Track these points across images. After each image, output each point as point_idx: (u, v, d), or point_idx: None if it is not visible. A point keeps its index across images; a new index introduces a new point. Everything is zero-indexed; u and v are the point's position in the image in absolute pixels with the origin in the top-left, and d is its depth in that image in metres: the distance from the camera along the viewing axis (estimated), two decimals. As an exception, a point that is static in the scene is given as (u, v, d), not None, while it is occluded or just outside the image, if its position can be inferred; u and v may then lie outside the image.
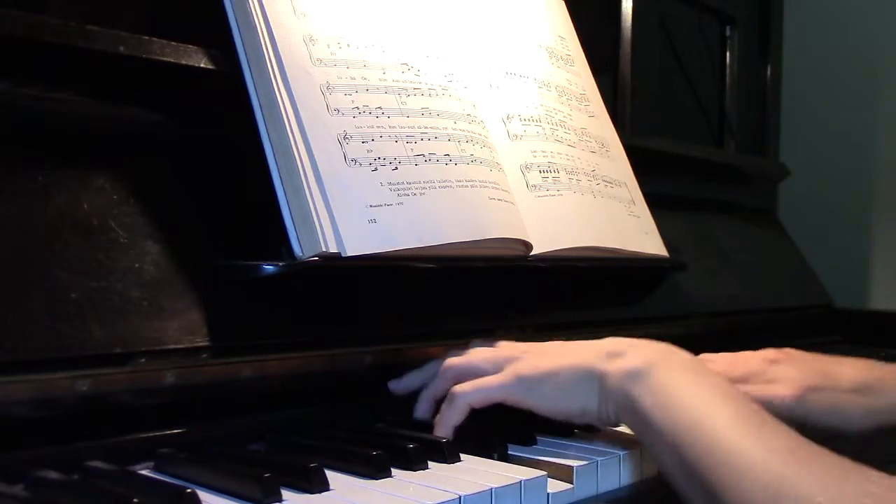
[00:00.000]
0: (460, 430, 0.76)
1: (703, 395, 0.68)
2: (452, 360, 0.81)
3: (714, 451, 0.64)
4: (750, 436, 0.63)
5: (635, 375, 0.71)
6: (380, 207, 0.81)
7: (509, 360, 0.78)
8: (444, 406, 0.77)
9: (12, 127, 0.72)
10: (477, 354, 0.81)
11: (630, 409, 0.70)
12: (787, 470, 0.60)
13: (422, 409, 0.81)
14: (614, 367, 0.72)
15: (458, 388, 0.77)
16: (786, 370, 0.89)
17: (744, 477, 0.61)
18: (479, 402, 0.76)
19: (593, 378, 0.73)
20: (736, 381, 0.91)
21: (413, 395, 0.83)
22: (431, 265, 0.84)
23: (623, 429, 0.83)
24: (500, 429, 0.76)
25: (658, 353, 0.73)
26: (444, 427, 0.76)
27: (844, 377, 0.88)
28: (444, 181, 0.86)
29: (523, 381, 0.76)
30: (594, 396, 0.73)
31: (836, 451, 0.63)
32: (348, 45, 0.86)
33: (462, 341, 0.89)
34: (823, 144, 1.90)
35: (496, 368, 0.78)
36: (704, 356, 0.95)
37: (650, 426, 0.68)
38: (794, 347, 0.96)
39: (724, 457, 0.63)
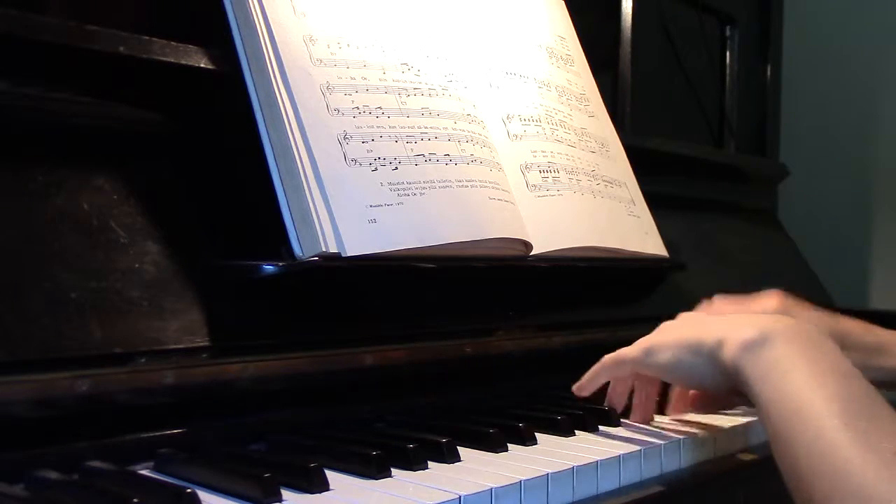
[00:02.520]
0: (460, 430, 0.76)
1: (814, 376, 0.66)
2: (607, 356, 0.87)
3: (814, 442, 0.62)
4: (859, 434, 0.61)
5: (750, 346, 0.71)
6: (380, 207, 0.81)
7: (656, 333, 0.83)
8: (587, 375, 0.85)
9: (12, 127, 0.72)
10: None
11: (741, 380, 0.71)
12: (883, 477, 0.58)
13: (580, 389, 0.87)
14: (731, 336, 0.73)
15: (601, 362, 0.85)
16: (803, 314, 0.91)
17: (838, 476, 0.59)
18: (615, 374, 0.84)
19: (707, 347, 0.75)
20: None
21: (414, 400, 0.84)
22: (431, 265, 0.84)
23: (626, 432, 0.83)
24: (501, 428, 0.76)
25: (778, 325, 0.72)
26: (582, 390, 0.85)
27: (852, 337, 0.91)
28: (444, 181, 0.86)
29: (646, 352, 0.81)
30: (708, 365, 0.75)
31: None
32: (348, 45, 0.86)
33: (463, 341, 0.89)
34: (823, 144, 1.90)
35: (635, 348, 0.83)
36: (716, 298, 0.98)
37: (757, 400, 0.69)
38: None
39: (822, 451, 0.61)
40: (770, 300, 0.95)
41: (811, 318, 0.92)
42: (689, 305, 0.97)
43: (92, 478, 0.64)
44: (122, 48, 0.77)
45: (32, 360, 0.64)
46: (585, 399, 0.87)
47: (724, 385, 0.75)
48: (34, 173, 0.71)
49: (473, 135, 0.92)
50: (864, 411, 0.63)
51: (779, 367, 0.68)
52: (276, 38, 0.81)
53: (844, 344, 0.87)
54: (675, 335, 0.81)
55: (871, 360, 0.89)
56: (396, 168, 0.83)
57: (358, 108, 0.84)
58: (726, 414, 0.91)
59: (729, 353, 0.73)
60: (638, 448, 0.75)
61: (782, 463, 0.65)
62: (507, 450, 0.74)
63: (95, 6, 0.83)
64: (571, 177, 1.03)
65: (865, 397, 0.65)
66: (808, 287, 1.58)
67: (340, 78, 0.84)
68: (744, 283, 1.41)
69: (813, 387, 0.65)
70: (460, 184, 0.87)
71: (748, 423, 0.89)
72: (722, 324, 0.77)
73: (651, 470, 0.76)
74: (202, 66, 0.82)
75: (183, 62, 0.80)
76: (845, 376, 0.67)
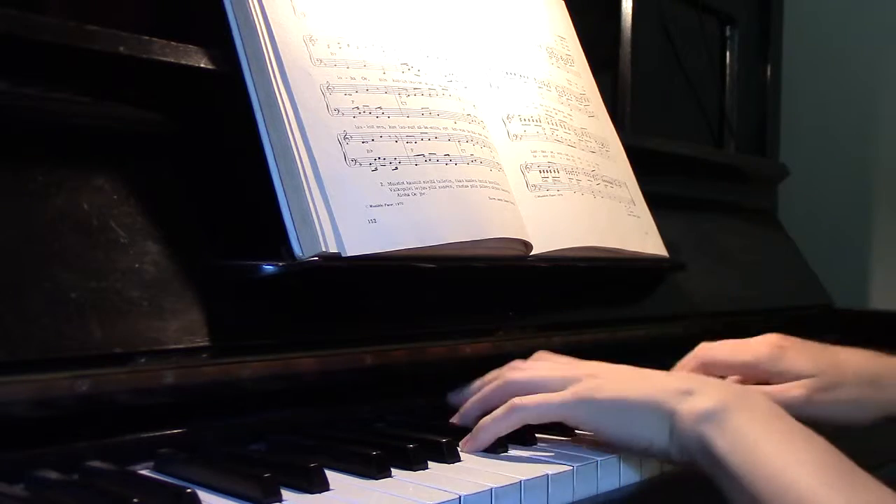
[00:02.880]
0: (460, 431, 0.76)
1: (783, 442, 0.65)
2: (514, 374, 0.79)
3: None
4: (835, 491, 0.61)
5: (710, 417, 0.67)
6: (380, 207, 0.81)
7: (574, 380, 0.75)
8: (497, 414, 0.74)
9: (12, 127, 0.72)
10: (540, 370, 0.79)
11: (704, 451, 0.67)
12: None
13: (467, 417, 0.79)
14: (686, 406, 0.69)
15: (519, 400, 0.74)
16: (798, 359, 0.89)
17: None
18: (537, 418, 0.74)
19: (662, 414, 0.70)
20: (745, 366, 0.91)
21: (414, 400, 0.84)
22: (431, 265, 0.84)
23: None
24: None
25: (732, 395, 0.70)
26: (488, 434, 0.74)
27: (851, 370, 0.88)
28: (444, 181, 0.86)
29: (587, 404, 0.73)
30: (663, 433, 0.70)
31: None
32: (348, 45, 0.86)
33: (463, 341, 0.89)
34: (823, 144, 1.90)
35: (560, 386, 0.75)
36: (705, 344, 0.96)
37: (726, 472, 0.65)
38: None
39: None
40: (767, 340, 0.93)
41: (807, 348, 0.91)
42: (690, 305, 0.97)
43: (92, 478, 0.64)
44: (122, 48, 0.77)
45: (32, 360, 0.64)
46: None
47: (673, 455, 0.71)
48: (34, 173, 0.71)
49: (473, 135, 0.92)
50: (840, 468, 0.63)
51: (746, 437, 0.66)
52: (276, 38, 0.81)
53: (845, 380, 0.87)
54: (617, 389, 0.73)
55: (877, 394, 0.87)
56: (396, 168, 0.83)
57: (358, 108, 0.84)
58: None
59: (688, 422, 0.68)
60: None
61: None
62: (507, 450, 0.74)
63: (95, 6, 0.83)
64: (571, 177, 1.03)
65: (835, 456, 0.65)
66: (808, 287, 1.58)
67: (340, 78, 0.84)
68: (744, 283, 1.41)
69: (786, 453, 0.64)
70: (460, 184, 0.87)
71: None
72: (675, 388, 0.72)
73: (651, 470, 0.76)
74: (202, 66, 0.82)
75: (183, 62, 0.80)
76: (809, 438, 0.66)
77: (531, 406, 0.74)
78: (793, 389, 0.86)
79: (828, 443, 0.66)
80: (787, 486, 0.62)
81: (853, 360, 0.89)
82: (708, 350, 0.94)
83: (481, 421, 0.74)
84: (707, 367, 0.92)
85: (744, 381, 0.91)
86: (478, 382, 0.82)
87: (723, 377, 0.91)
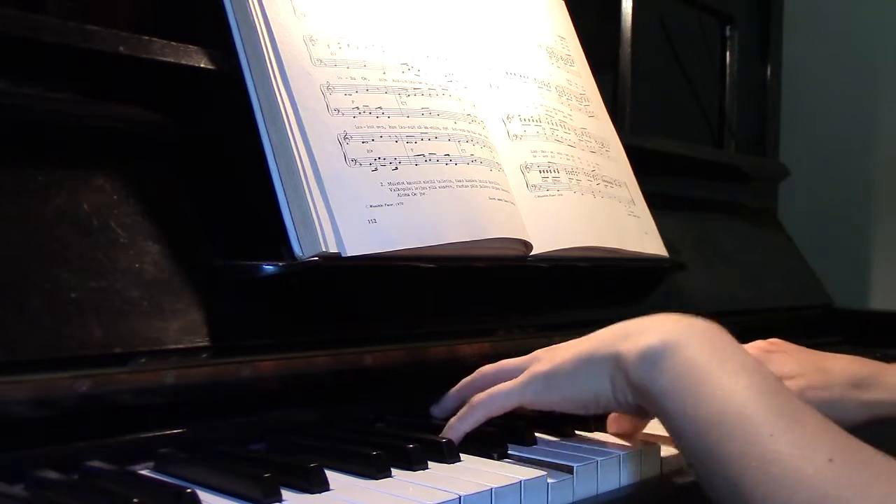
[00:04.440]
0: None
1: (731, 378, 0.61)
2: (485, 367, 0.79)
3: (746, 449, 0.57)
4: (786, 435, 0.57)
5: (652, 355, 0.65)
6: (380, 207, 0.81)
7: (530, 362, 0.75)
8: (461, 413, 0.75)
9: (12, 127, 0.72)
10: (507, 362, 0.79)
11: (647, 393, 0.65)
12: (829, 481, 0.55)
13: (441, 408, 0.81)
14: (628, 345, 0.67)
15: (477, 396, 0.75)
16: (784, 362, 0.89)
17: (779, 487, 0.55)
18: (496, 410, 0.74)
19: (604, 360, 0.68)
20: None
21: (414, 400, 0.84)
22: (431, 265, 0.84)
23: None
24: (501, 428, 0.76)
25: (678, 328, 0.66)
26: (454, 432, 0.73)
27: (837, 371, 0.88)
28: (445, 181, 0.86)
29: (536, 381, 0.72)
30: (605, 380, 0.68)
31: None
32: (348, 45, 0.86)
33: (463, 341, 0.89)
34: (823, 144, 1.90)
35: (519, 373, 0.75)
36: None
37: (670, 413, 0.63)
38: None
39: (757, 459, 0.57)
40: (755, 345, 0.91)
41: (792, 352, 0.90)
42: (690, 305, 0.97)
43: (92, 478, 0.64)
44: (122, 48, 0.77)
45: (32, 360, 0.64)
46: None
47: (626, 401, 0.68)
48: (34, 173, 0.71)
49: (473, 135, 0.92)
50: (791, 409, 0.60)
51: (688, 374, 0.62)
52: (276, 38, 0.81)
53: (831, 380, 0.87)
54: (562, 356, 0.72)
55: (862, 395, 0.86)
56: (396, 168, 0.83)
57: (358, 108, 0.84)
58: None
59: (630, 363, 0.66)
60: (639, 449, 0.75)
61: (709, 478, 0.60)
62: (507, 450, 0.74)
63: (95, 6, 0.83)
64: (571, 177, 1.03)
65: (784, 394, 0.62)
66: (808, 287, 1.58)
67: (340, 78, 0.84)
68: (744, 283, 1.41)
69: (733, 385, 0.61)
70: (460, 184, 0.87)
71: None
72: (615, 332, 0.70)
73: (652, 470, 0.76)
74: (202, 66, 0.82)
75: (183, 62, 0.80)
76: (759, 373, 0.63)
77: (487, 399, 0.74)
78: None
79: (778, 379, 0.64)
80: (733, 426, 0.59)
81: (838, 364, 0.89)
82: None
83: (449, 423, 0.74)
84: None
85: None
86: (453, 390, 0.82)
87: None
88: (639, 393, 0.66)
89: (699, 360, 0.63)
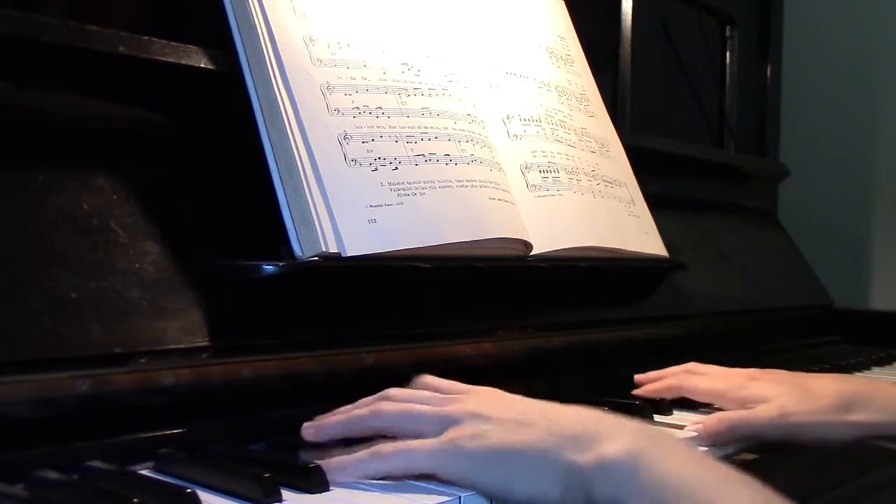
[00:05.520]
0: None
1: (723, 487, 0.56)
2: (386, 406, 0.67)
3: None
4: None
5: (621, 471, 0.57)
6: (380, 207, 0.81)
7: (452, 421, 0.63)
8: (358, 456, 0.64)
9: (12, 127, 0.72)
10: (416, 403, 0.67)
11: None
12: None
13: (324, 432, 0.68)
14: (588, 458, 0.58)
15: (385, 448, 0.64)
16: (765, 387, 0.89)
17: None
18: (401, 471, 0.63)
19: (556, 469, 0.59)
20: (714, 393, 0.92)
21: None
22: (431, 265, 0.84)
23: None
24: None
25: (637, 437, 0.59)
26: (342, 476, 0.63)
27: (820, 394, 0.87)
28: (445, 181, 0.86)
29: (459, 457, 0.61)
30: (555, 490, 0.59)
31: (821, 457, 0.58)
32: (348, 45, 0.86)
33: (463, 341, 0.89)
34: (823, 144, 1.90)
35: (434, 428, 0.64)
36: (693, 364, 0.96)
37: None
38: (794, 347, 0.96)
39: None
40: (745, 372, 0.92)
41: (778, 377, 0.90)
42: (690, 305, 0.97)
43: (92, 478, 0.64)
44: (122, 48, 0.77)
45: (32, 360, 0.64)
46: (594, 393, 0.87)
47: None
48: (34, 173, 0.71)
49: (473, 135, 0.92)
50: None
51: (677, 493, 0.56)
52: (276, 38, 0.81)
53: (815, 404, 0.86)
54: (497, 436, 0.61)
55: (847, 416, 0.85)
56: (396, 168, 0.83)
57: (358, 108, 0.84)
58: None
59: (593, 483, 0.57)
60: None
61: None
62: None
63: (95, 6, 0.83)
64: (571, 177, 1.03)
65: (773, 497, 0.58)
66: (808, 287, 1.58)
67: (340, 78, 0.84)
68: (744, 283, 1.41)
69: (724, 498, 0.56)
70: (460, 184, 0.87)
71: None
72: (561, 435, 0.60)
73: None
74: (202, 66, 0.82)
75: (183, 62, 0.80)
76: (741, 478, 0.58)
77: (395, 457, 0.63)
78: (764, 411, 0.85)
79: (757, 483, 0.59)
80: None
81: (822, 385, 0.89)
82: (690, 377, 0.95)
83: (339, 458, 0.64)
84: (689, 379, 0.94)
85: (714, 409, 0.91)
86: (340, 413, 0.70)
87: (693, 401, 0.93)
88: None
89: (682, 475, 0.57)
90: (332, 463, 0.63)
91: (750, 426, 0.84)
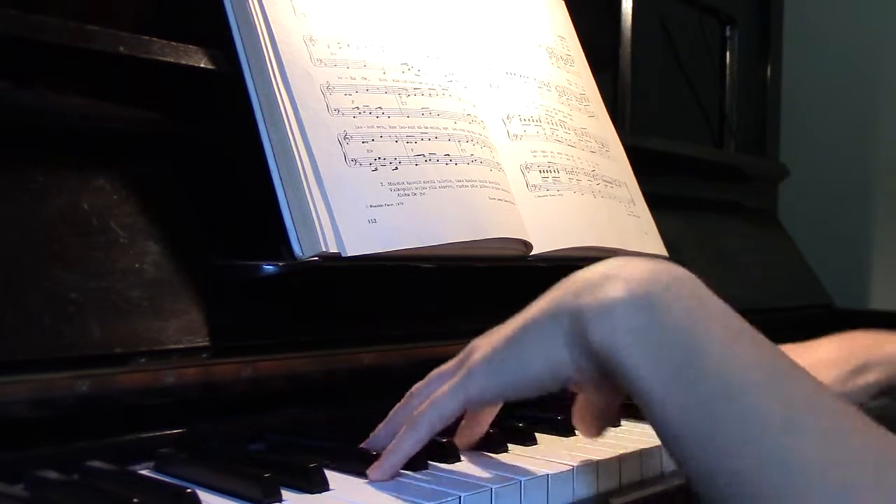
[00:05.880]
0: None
1: (726, 346, 0.51)
2: (414, 386, 0.68)
3: (766, 420, 0.47)
4: (800, 412, 0.48)
5: (618, 311, 0.51)
6: (380, 207, 0.81)
7: (467, 355, 0.63)
8: (400, 435, 0.63)
9: (12, 127, 0.72)
10: (436, 370, 0.67)
11: (612, 362, 0.52)
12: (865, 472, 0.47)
13: (376, 442, 0.67)
14: (589, 300, 0.52)
15: (417, 412, 0.62)
16: None
17: (811, 481, 0.46)
18: (438, 420, 0.61)
19: (556, 321, 0.54)
20: None
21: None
22: (431, 265, 0.84)
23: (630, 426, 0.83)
24: (501, 428, 0.76)
25: (646, 276, 0.53)
26: (396, 457, 0.61)
27: (831, 360, 0.85)
28: (445, 181, 0.86)
29: (476, 372, 0.59)
30: (561, 346, 0.54)
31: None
32: (348, 45, 0.86)
33: (463, 341, 0.89)
34: (823, 144, 1.90)
35: (455, 371, 0.63)
36: None
37: (648, 389, 0.50)
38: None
39: (779, 430, 0.47)
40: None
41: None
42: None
43: (92, 478, 0.64)
44: (122, 48, 0.77)
45: (32, 360, 0.64)
46: None
47: (590, 372, 0.55)
48: (34, 173, 0.71)
49: (473, 135, 0.92)
50: (797, 378, 0.51)
51: (675, 344, 0.50)
52: (276, 38, 0.81)
53: (823, 373, 0.86)
54: (505, 330, 0.59)
55: (852, 382, 0.85)
56: (396, 168, 0.83)
57: (358, 108, 0.84)
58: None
59: (588, 324, 0.52)
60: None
61: (696, 467, 0.50)
62: (507, 450, 0.73)
63: (95, 6, 0.83)
64: (571, 177, 1.03)
65: (784, 357, 0.53)
66: (808, 287, 1.58)
67: (340, 78, 0.84)
68: (744, 283, 1.41)
69: (730, 357, 0.51)
70: (460, 184, 0.87)
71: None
72: (566, 288, 0.55)
73: (653, 470, 0.76)
74: (202, 66, 0.82)
75: (183, 62, 0.80)
76: (755, 337, 0.54)
77: (428, 410, 0.61)
78: None
79: (772, 345, 0.55)
80: (732, 406, 0.49)
81: (829, 349, 0.87)
82: None
83: (387, 448, 0.63)
84: None
85: None
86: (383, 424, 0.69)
87: None
88: (601, 360, 0.53)
89: (683, 323, 0.51)
90: (386, 454, 0.62)
91: None
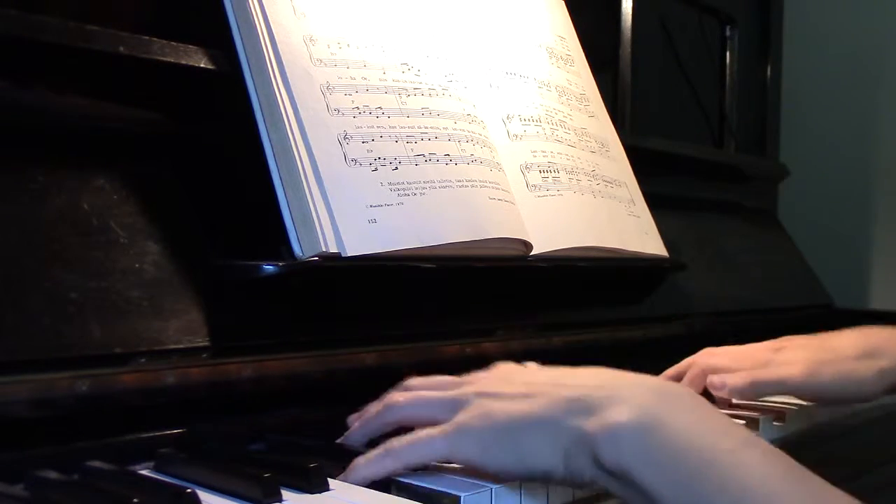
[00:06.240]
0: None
1: (734, 455, 0.52)
2: (396, 397, 0.68)
3: None
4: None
5: (626, 438, 0.54)
6: (380, 207, 0.81)
7: (462, 403, 0.63)
8: (370, 456, 0.63)
9: (12, 127, 0.72)
10: (426, 394, 0.67)
11: (631, 481, 0.54)
12: None
13: (351, 440, 0.70)
14: (594, 423, 0.55)
15: (396, 443, 0.63)
16: (792, 354, 0.89)
17: None
18: (414, 463, 0.62)
19: (560, 437, 0.57)
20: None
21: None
22: (431, 265, 0.84)
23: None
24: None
25: (650, 399, 0.56)
26: (358, 476, 0.62)
27: (848, 346, 0.87)
28: (445, 181, 0.86)
29: (467, 439, 0.60)
30: (558, 456, 0.57)
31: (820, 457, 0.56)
32: (348, 45, 0.86)
33: (463, 341, 0.89)
34: (823, 144, 1.90)
35: (446, 412, 0.63)
36: (708, 350, 0.95)
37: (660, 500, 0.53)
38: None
39: None
40: (766, 344, 0.91)
41: (803, 341, 0.90)
42: (690, 305, 0.97)
43: (92, 478, 0.64)
44: (122, 48, 0.77)
45: (32, 360, 0.64)
46: None
47: (600, 485, 0.57)
48: (34, 173, 0.71)
49: (473, 135, 0.92)
50: (812, 481, 0.53)
51: (688, 461, 0.53)
52: (276, 38, 0.81)
53: (841, 354, 0.86)
54: (502, 412, 0.60)
55: (865, 364, 0.85)
56: (396, 168, 0.83)
57: (358, 108, 0.84)
58: None
59: (600, 449, 0.55)
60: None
61: None
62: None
63: (95, 6, 0.83)
64: (571, 177, 1.03)
65: (796, 464, 0.55)
66: (808, 287, 1.58)
67: (340, 78, 0.84)
68: (744, 283, 1.41)
69: (743, 466, 0.52)
70: (460, 184, 0.87)
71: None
72: (569, 401, 0.57)
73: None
74: (202, 66, 0.82)
75: (183, 62, 0.80)
76: (768, 448, 0.55)
77: (407, 450, 0.62)
78: (790, 369, 0.86)
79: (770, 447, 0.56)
80: (756, 493, 0.50)
81: (846, 338, 0.89)
82: (709, 358, 0.92)
83: (355, 461, 0.63)
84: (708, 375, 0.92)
85: None
86: (360, 420, 0.71)
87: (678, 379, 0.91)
88: (614, 479, 0.55)
89: (692, 439, 0.53)
90: (350, 469, 0.63)
91: (775, 384, 0.85)
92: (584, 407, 0.57)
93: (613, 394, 0.57)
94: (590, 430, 0.56)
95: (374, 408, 0.69)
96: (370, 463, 0.63)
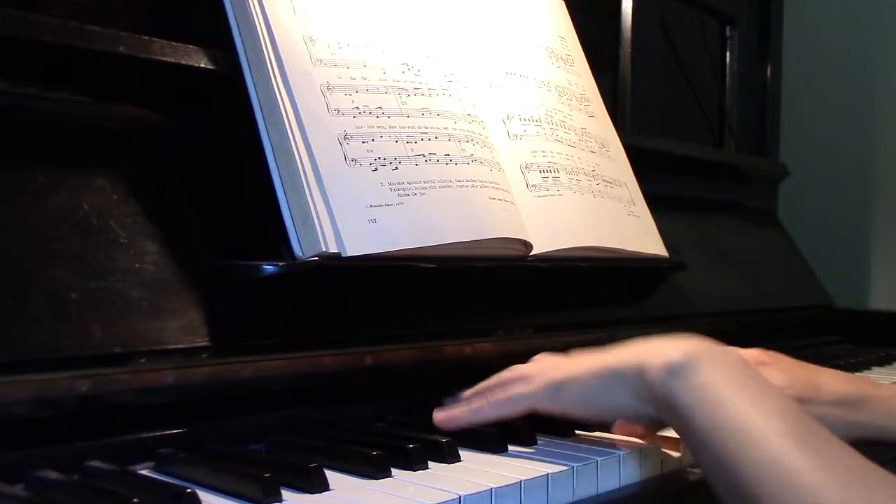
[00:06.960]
0: (460, 430, 0.76)
1: (752, 398, 0.65)
2: (503, 373, 0.79)
3: (765, 464, 0.60)
4: (807, 451, 0.60)
5: (677, 371, 0.67)
6: (380, 207, 0.81)
7: (551, 368, 0.76)
8: (474, 405, 0.76)
9: (12, 127, 0.72)
10: (518, 369, 0.79)
11: (671, 407, 0.67)
12: (845, 495, 0.58)
13: (445, 419, 0.78)
14: (653, 360, 0.69)
15: (494, 394, 0.76)
16: (772, 374, 0.88)
17: (801, 498, 0.58)
18: (507, 413, 0.75)
19: (628, 373, 0.70)
20: None
21: (415, 400, 0.83)
22: (431, 265, 0.84)
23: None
24: (501, 429, 0.76)
25: (702, 349, 0.69)
26: (456, 420, 0.76)
27: (827, 389, 0.86)
28: (445, 181, 0.86)
29: (550, 387, 0.74)
30: (628, 393, 0.70)
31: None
32: (348, 45, 0.86)
33: (463, 341, 0.89)
34: (823, 144, 1.90)
35: (537, 377, 0.76)
36: None
37: (692, 428, 0.65)
38: (794, 347, 0.95)
39: (775, 472, 0.60)
40: (749, 354, 0.92)
41: (786, 364, 0.90)
42: (690, 305, 0.97)
43: (92, 478, 0.64)
44: (122, 48, 0.77)
45: (32, 360, 0.64)
46: None
47: (646, 413, 0.71)
48: (34, 173, 0.71)
49: (473, 135, 0.92)
50: (808, 429, 0.63)
51: (713, 391, 0.65)
52: (276, 38, 0.81)
53: (819, 397, 0.85)
54: (583, 366, 0.74)
55: (849, 415, 0.84)
56: (396, 168, 0.83)
57: (358, 108, 0.84)
58: None
59: (654, 378, 0.68)
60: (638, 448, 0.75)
61: (726, 487, 0.63)
62: (507, 450, 0.74)
63: (95, 6, 0.83)
64: (571, 177, 1.03)
65: (803, 415, 0.65)
66: (808, 287, 1.58)
67: (340, 78, 0.84)
68: (744, 283, 1.41)
69: (755, 409, 0.64)
70: (460, 184, 0.87)
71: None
72: (638, 349, 0.72)
73: (652, 469, 0.76)
74: (202, 66, 0.82)
75: (183, 62, 0.80)
76: (778, 397, 0.66)
77: (504, 400, 0.76)
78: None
79: (798, 405, 0.67)
80: (759, 443, 0.61)
81: (830, 381, 0.87)
82: None
83: (453, 411, 0.77)
84: None
85: None
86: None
87: None
88: (662, 407, 0.69)
89: (720, 379, 0.66)
90: (450, 417, 0.76)
91: None
92: (646, 350, 0.71)
93: (667, 342, 0.70)
94: (650, 365, 0.69)
95: (483, 383, 0.79)
96: (473, 412, 0.76)
